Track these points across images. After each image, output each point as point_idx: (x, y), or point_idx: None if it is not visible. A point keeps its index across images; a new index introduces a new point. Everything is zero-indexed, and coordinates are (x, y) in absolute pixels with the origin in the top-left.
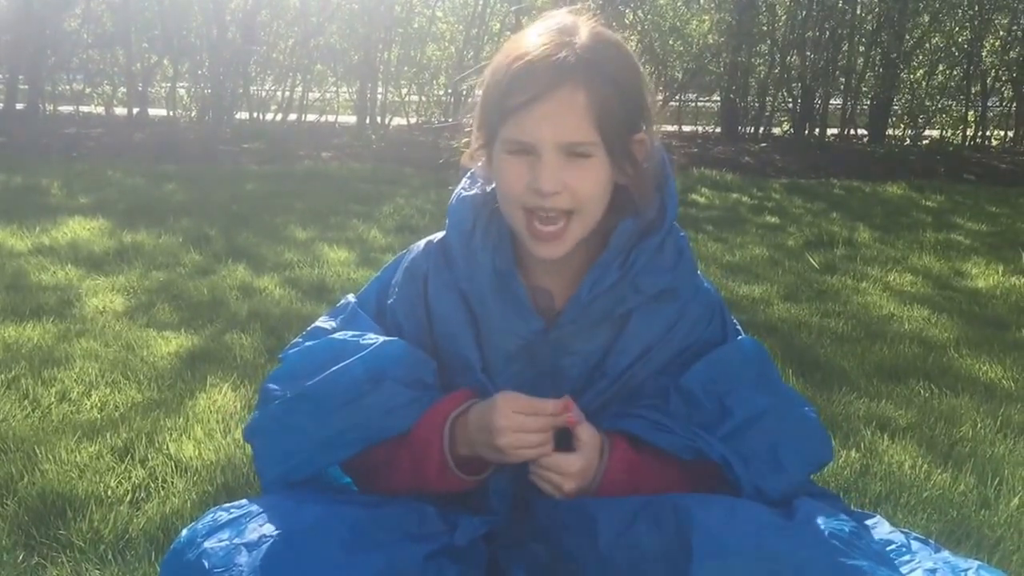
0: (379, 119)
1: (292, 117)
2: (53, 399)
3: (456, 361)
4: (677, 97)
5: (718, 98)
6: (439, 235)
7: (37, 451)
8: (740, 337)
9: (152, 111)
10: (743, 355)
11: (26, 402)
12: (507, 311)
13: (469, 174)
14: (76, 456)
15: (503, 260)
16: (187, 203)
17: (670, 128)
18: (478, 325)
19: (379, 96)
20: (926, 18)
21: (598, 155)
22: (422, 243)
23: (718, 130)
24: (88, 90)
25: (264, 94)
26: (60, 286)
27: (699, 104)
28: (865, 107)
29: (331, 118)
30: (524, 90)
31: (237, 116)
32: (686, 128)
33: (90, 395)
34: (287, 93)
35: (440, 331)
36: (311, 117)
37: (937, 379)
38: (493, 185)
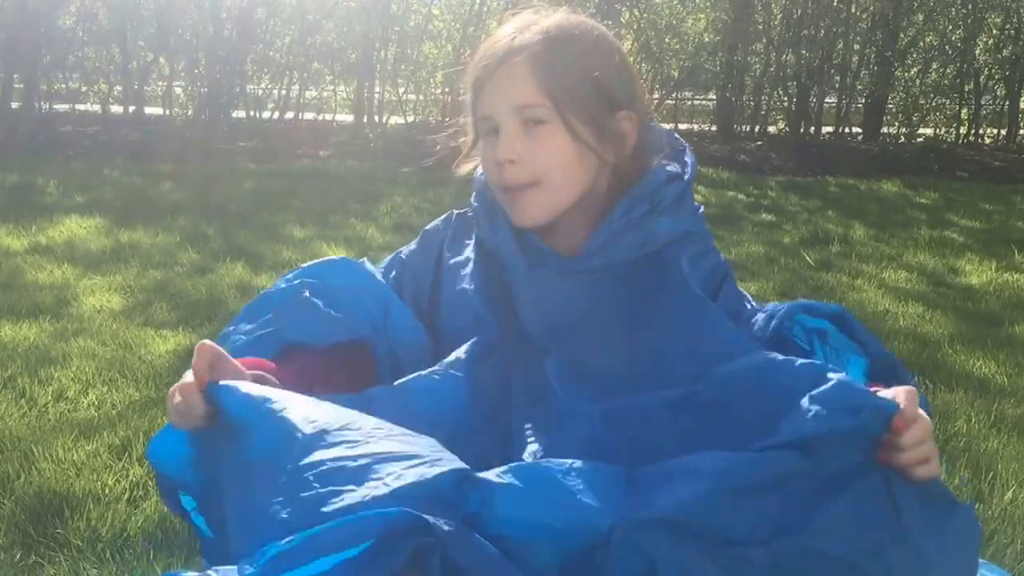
0: (377, 118)
1: (289, 116)
2: (50, 398)
3: (468, 320)
4: (673, 95)
5: (713, 96)
6: (462, 210)
7: (34, 450)
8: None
9: (148, 110)
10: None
11: (23, 401)
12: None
13: None
14: (73, 455)
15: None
16: (184, 202)
17: (666, 126)
18: (500, 287)
19: (376, 95)
20: (920, 17)
21: (555, 122)
22: (443, 216)
23: (714, 128)
24: (84, 88)
25: (261, 92)
26: (56, 285)
27: (695, 103)
28: (860, 105)
29: (328, 117)
30: (483, 68)
31: (234, 115)
32: (682, 126)
33: (87, 394)
34: (284, 92)
35: (448, 297)
36: (308, 116)
37: (931, 375)
38: None
